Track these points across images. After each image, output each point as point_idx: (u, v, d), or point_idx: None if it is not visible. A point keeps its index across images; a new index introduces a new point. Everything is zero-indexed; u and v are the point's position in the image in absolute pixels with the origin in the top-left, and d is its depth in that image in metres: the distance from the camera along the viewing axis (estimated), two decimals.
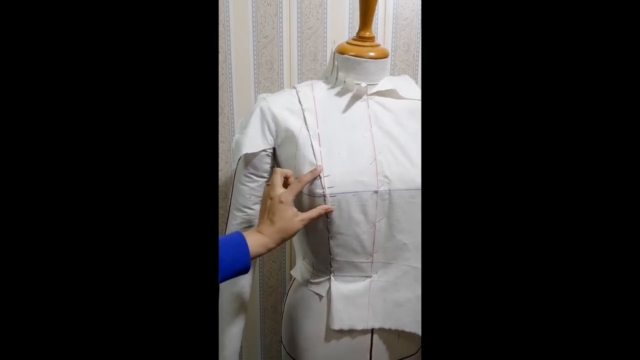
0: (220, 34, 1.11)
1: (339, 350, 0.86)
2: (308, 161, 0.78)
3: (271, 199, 0.75)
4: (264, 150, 0.82)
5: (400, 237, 0.82)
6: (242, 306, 0.89)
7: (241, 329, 0.90)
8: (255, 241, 0.72)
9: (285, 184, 0.77)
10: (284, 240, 0.74)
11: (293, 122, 0.80)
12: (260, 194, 0.85)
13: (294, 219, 0.74)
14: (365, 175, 0.78)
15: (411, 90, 0.86)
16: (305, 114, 0.81)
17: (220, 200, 1.21)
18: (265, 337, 1.38)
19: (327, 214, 0.77)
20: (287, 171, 0.79)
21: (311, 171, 0.76)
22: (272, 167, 0.85)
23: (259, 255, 0.72)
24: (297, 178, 0.77)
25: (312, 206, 0.79)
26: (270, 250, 0.73)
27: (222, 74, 1.15)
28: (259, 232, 0.73)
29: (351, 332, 0.85)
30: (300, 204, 0.82)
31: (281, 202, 0.74)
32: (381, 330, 0.87)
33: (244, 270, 0.70)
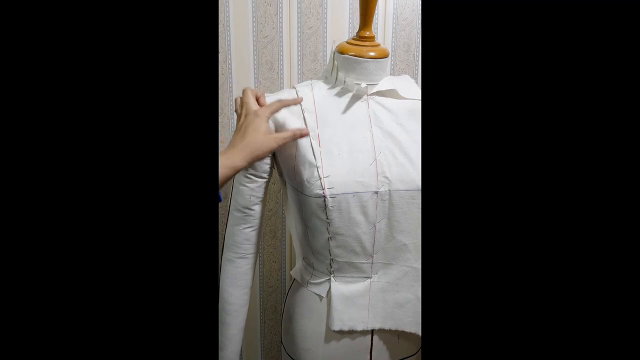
0: (220, 34, 1.11)
1: (339, 351, 0.86)
2: (307, 162, 0.78)
3: (245, 115, 0.71)
4: None
5: (400, 238, 0.82)
6: (242, 307, 0.89)
7: (241, 329, 0.90)
8: (219, 164, 0.64)
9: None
10: (254, 158, 0.68)
11: (292, 123, 0.80)
12: (260, 194, 0.85)
13: (267, 135, 0.69)
14: (365, 175, 0.78)
15: (411, 90, 0.86)
16: (305, 114, 0.81)
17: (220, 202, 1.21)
18: (265, 338, 1.38)
19: (327, 215, 0.77)
20: (257, 91, 0.77)
21: (294, 99, 0.77)
22: (272, 168, 0.85)
23: (227, 179, 0.66)
24: (278, 100, 0.76)
25: (311, 207, 0.79)
26: (238, 170, 0.67)
27: (222, 74, 1.15)
28: (226, 151, 0.67)
29: (351, 333, 0.85)
30: (299, 205, 0.81)
31: (257, 115, 0.70)
32: (381, 331, 0.87)
33: None
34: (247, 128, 0.68)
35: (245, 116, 0.71)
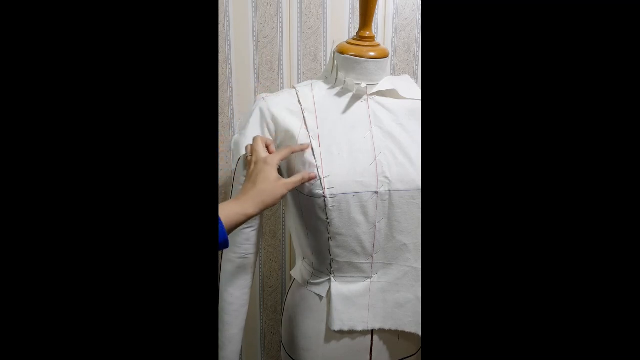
0: (220, 34, 1.11)
1: (339, 351, 0.86)
2: (307, 162, 0.78)
3: (255, 163, 0.72)
4: None
5: (400, 238, 0.82)
6: (242, 307, 0.89)
7: (241, 329, 0.90)
8: (231, 210, 0.66)
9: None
10: (266, 206, 0.70)
11: (292, 123, 0.80)
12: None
13: (277, 182, 0.70)
14: (365, 175, 0.78)
15: (411, 90, 0.86)
16: (305, 114, 0.81)
17: (220, 201, 1.21)
18: (265, 338, 1.38)
19: (327, 215, 0.77)
20: (268, 139, 0.78)
21: (301, 144, 0.76)
22: None
23: (238, 225, 0.68)
24: (287, 146, 0.77)
25: (311, 208, 0.78)
26: (249, 217, 0.68)
27: (222, 74, 1.15)
28: (238, 198, 0.69)
29: (351, 333, 0.85)
30: (299, 205, 0.81)
31: (266, 163, 0.71)
32: (381, 331, 0.87)
33: (223, 245, 0.65)
34: (258, 176, 0.70)
35: (255, 164, 0.72)
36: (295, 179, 0.73)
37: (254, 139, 0.76)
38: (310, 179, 0.75)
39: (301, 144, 0.77)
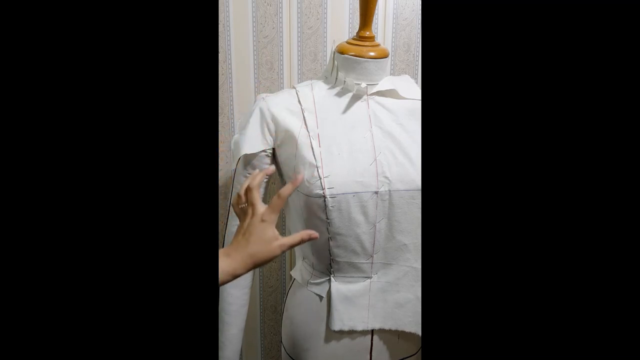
0: (220, 34, 1.11)
1: (339, 351, 0.86)
2: (307, 162, 0.78)
3: (251, 216, 0.66)
4: (263, 151, 0.82)
5: (400, 238, 0.82)
6: (242, 307, 0.89)
7: (241, 329, 0.90)
8: (220, 268, 0.62)
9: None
10: (257, 266, 0.64)
11: (292, 123, 0.80)
12: (260, 194, 0.85)
13: (273, 242, 0.64)
14: (365, 175, 0.78)
15: (411, 90, 0.86)
16: (305, 114, 0.81)
17: (220, 200, 1.21)
18: (265, 338, 1.38)
19: (327, 215, 0.77)
20: (263, 174, 0.70)
21: (292, 182, 0.66)
22: None
23: (224, 284, 0.63)
24: (277, 194, 0.66)
25: (311, 207, 0.78)
26: (237, 277, 0.64)
27: (222, 74, 1.14)
28: (228, 253, 0.64)
29: (351, 333, 0.85)
30: (299, 205, 0.81)
31: (263, 220, 0.64)
32: (381, 331, 0.87)
33: None
34: (252, 235, 0.64)
35: (252, 218, 0.66)
36: (292, 240, 0.66)
37: (248, 191, 0.68)
38: (310, 239, 0.67)
39: (291, 182, 0.66)
